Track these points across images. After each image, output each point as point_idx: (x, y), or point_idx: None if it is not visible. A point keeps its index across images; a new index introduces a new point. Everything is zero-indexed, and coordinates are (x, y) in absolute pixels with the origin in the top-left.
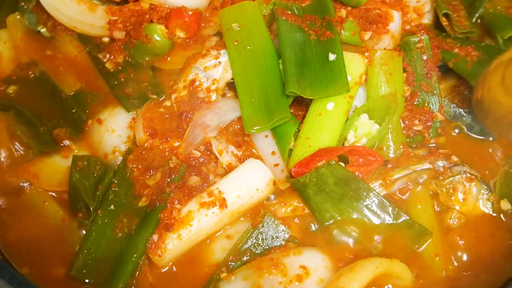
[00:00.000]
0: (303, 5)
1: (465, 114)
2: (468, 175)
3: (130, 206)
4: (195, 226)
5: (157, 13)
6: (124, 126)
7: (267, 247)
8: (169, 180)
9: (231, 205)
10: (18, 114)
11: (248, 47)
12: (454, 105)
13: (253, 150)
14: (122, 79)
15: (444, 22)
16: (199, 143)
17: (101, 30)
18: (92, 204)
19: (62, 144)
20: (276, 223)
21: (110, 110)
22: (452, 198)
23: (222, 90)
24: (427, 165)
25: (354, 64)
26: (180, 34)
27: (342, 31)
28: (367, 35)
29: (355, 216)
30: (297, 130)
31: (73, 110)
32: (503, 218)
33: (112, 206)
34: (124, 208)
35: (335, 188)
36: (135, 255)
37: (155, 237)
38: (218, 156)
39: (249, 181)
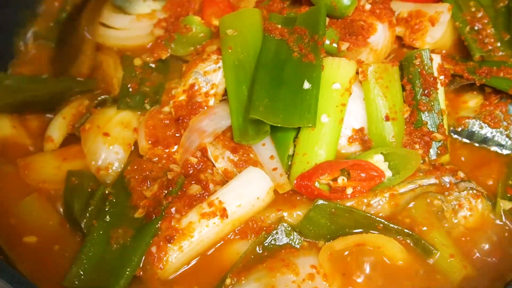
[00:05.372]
0: (298, 13)
1: (497, 134)
2: (475, 191)
3: (126, 217)
4: (196, 237)
5: (191, 6)
6: (123, 141)
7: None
8: (166, 192)
9: (232, 215)
10: None
11: (241, 55)
12: (486, 124)
13: (250, 155)
14: (138, 72)
15: (478, 59)
16: (195, 149)
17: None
18: (82, 220)
19: None
20: (289, 229)
21: (111, 117)
22: (458, 214)
23: (220, 95)
24: (433, 180)
25: (342, 69)
26: (216, 22)
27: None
28: (344, 46)
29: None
30: (295, 137)
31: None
32: (504, 219)
33: (108, 217)
34: (120, 219)
35: (329, 224)
36: (129, 269)
37: (153, 249)
38: (214, 162)
39: (249, 190)
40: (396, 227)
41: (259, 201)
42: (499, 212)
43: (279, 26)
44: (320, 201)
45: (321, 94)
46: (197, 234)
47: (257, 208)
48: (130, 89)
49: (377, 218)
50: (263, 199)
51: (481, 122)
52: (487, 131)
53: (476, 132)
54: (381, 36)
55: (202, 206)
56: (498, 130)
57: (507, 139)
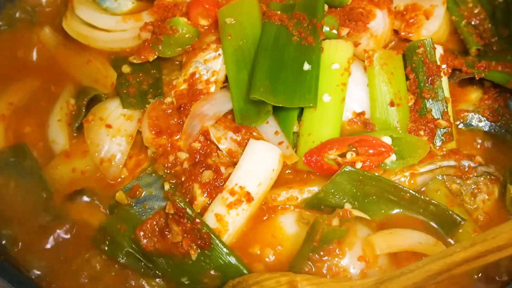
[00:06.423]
0: (297, 0)
1: (496, 127)
2: (493, 177)
3: (185, 266)
4: (232, 228)
5: (179, 8)
6: (125, 133)
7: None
8: (185, 220)
9: (256, 195)
10: None
11: (241, 42)
12: (485, 118)
13: (253, 133)
14: (131, 79)
15: (474, 52)
16: (198, 133)
17: (133, 41)
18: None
19: None
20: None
21: (113, 109)
22: (477, 198)
23: (221, 82)
24: (452, 162)
25: (340, 50)
26: (203, 22)
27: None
28: (344, 31)
29: (383, 211)
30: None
31: None
32: None
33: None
34: (182, 270)
35: (355, 191)
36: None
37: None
38: (217, 143)
39: (263, 165)
40: (422, 197)
41: (275, 172)
42: (510, 197)
43: (279, 12)
44: (348, 167)
45: (321, 75)
46: (231, 225)
47: (274, 178)
48: (129, 92)
49: (405, 188)
50: (277, 168)
51: (479, 115)
52: (485, 125)
53: (475, 125)
54: (381, 22)
55: (224, 197)
56: (496, 123)
57: (506, 133)
